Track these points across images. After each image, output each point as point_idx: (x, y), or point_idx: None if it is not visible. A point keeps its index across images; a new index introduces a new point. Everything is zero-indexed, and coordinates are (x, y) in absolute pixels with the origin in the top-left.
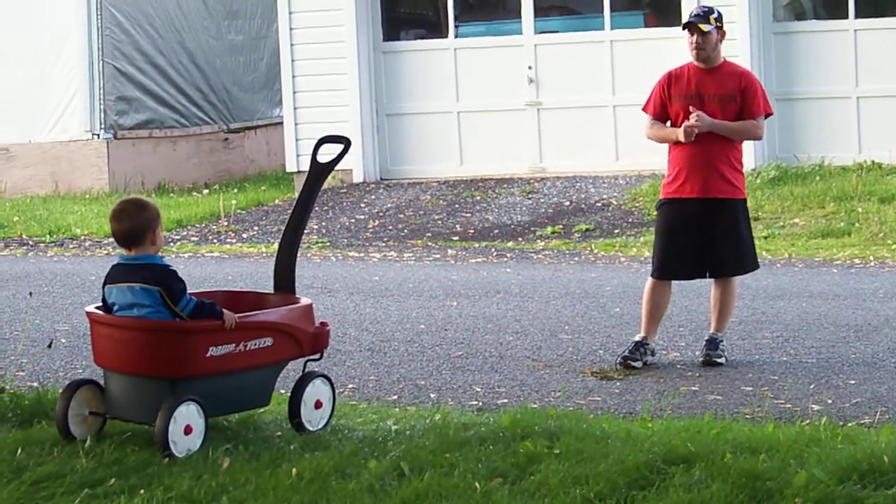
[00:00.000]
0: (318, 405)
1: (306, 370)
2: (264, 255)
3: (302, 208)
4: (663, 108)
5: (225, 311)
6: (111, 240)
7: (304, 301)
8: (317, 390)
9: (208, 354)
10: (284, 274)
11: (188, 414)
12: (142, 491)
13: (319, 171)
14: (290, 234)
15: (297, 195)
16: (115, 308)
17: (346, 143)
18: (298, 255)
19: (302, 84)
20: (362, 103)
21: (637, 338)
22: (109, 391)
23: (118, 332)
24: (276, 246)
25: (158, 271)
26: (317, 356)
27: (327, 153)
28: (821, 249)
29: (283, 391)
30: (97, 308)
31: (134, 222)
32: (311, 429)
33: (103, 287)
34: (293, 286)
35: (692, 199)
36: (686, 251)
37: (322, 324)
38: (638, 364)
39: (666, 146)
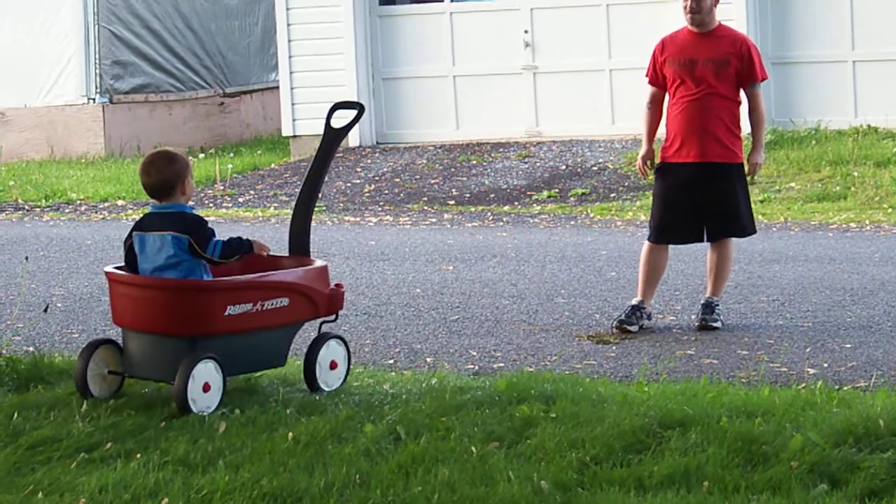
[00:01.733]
0: (333, 366)
1: (321, 331)
2: (260, 219)
3: (316, 173)
4: (660, 74)
5: (253, 240)
6: (107, 204)
7: (320, 263)
8: (332, 351)
9: (226, 313)
10: (299, 237)
11: (207, 371)
12: (138, 455)
13: (334, 136)
14: (305, 198)
15: (292, 159)
16: (141, 256)
17: (360, 108)
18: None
19: (298, 48)
20: (358, 68)
21: (634, 301)
22: (128, 350)
23: (138, 290)
24: (271, 210)
25: (189, 220)
26: (332, 317)
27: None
28: (817, 213)
29: (295, 357)
30: (116, 268)
31: (164, 174)
32: (326, 389)
33: (130, 234)
34: (308, 249)
35: (689, 163)
36: (683, 215)
37: (337, 285)
38: (634, 328)
39: (665, 109)
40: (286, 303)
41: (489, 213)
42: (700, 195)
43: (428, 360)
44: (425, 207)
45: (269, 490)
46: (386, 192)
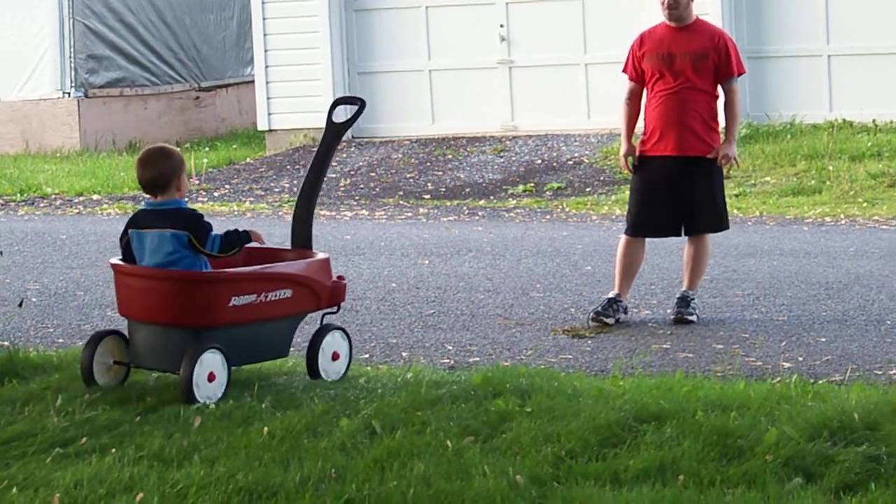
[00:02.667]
0: (335, 357)
1: (324, 323)
2: (235, 213)
3: (318, 167)
4: (638, 68)
5: (249, 230)
6: (82, 198)
7: (322, 255)
8: (335, 342)
9: (231, 304)
10: (302, 230)
11: (212, 361)
12: (113, 450)
13: (336, 131)
14: (307, 192)
15: (267, 154)
16: (139, 253)
17: (362, 103)
18: (271, 212)
19: (273, 42)
20: (334, 62)
21: (610, 295)
22: (134, 341)
23: (144, 282)
24: (247, 204)
25: (186, 216)
26: (334, 309)
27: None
28: (792, 207)
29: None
30: (120, 260)
31: (160, 170)
32: (327, 380)
33: (125, 231)
34: (310, 242)
35: (667, 156)
36: (660, 209)
37: (339, 277)
38: (610, 321)
39: (644, 103)
40: (289, 294)
41: (465, 208)
42: (677, 189)
43: (403, 354)
44: (401, 202)
45: (244, 484)
46: (361, 186)
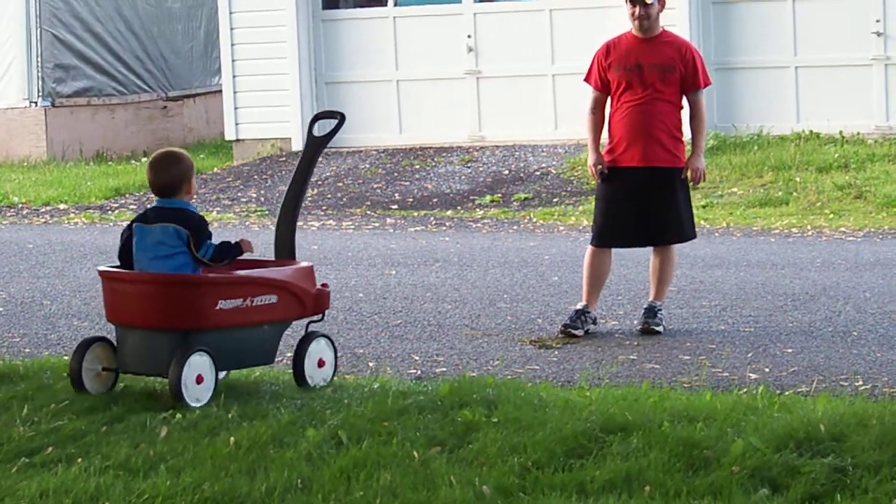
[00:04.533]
0: (320, 364)
1: (309, 330)
2: None
3: (300, 181)
4: (604, 79)
5: (241, 241)
6: (49, 208)
7: (305, 264)
8: (320, 349)
9: (217, 307)
10: (285, 243)
11: (200, 363)
12: (79, 459)
13: (316, 145)
14: (290, 205)
15: (235, 163)
16: (139, 247)
17: (341, 117)
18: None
19: (241, 52)
20: (301, 72)
21: (578, 306)
22: (122, 347)
23: (131, 286)
24: (214, 214)
25: (190, 217)
26: (318, 317)
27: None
28: (759, 219)
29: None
30: (111, 267)
31: (171, 174)
32: (313, 386)
33: (130, 225)
34: (293, 253)
35: (632, 167)
36: (625, 219)
37: (323, 285)
38: (579, 332)
39: (608, 113)
40: (275, 300)
41: (432, 218)
42: (643, 200)
43: (370, 364)
44: (368, 212)
45: (210, 495)
46: (329, 196)
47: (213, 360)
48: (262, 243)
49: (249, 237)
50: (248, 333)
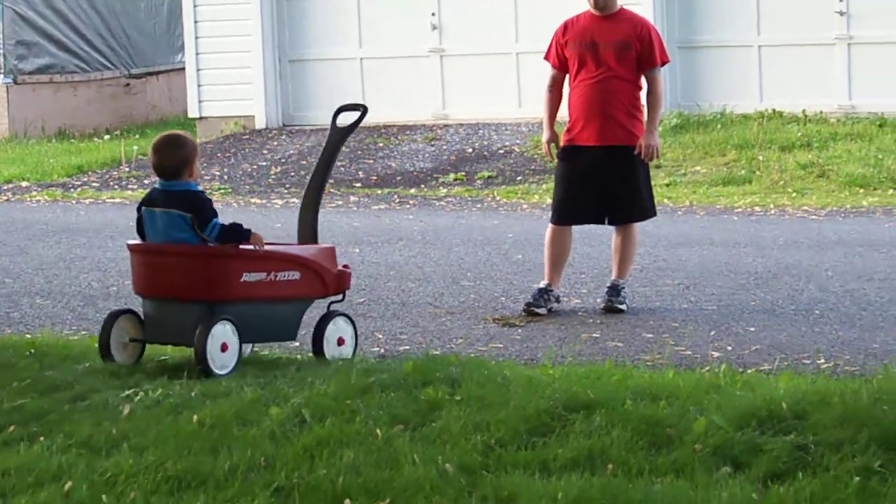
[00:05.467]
0: (340, 342)
1: (330, 309)
2: None
3: (323, 169)
4: (562, 56)
5: (253, 231)
6: (10, 185)
7: (328, 245)
8: (339, 328)
9: (242, 279)
10: (308, 228)
11: (224, 332)
12: (41, 438)
13: (339, 135)
14: (313, 192)
15: (198, 141)
16: (150, 230)
17: (364, 109)
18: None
19: (204, 29)
20: (265, 49)
21: (541, 284)
22: (148, 318)
23: (158, 258)
24: None
25: (192, 198)
26: (339, 297)
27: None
28: (722, 197)
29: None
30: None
31: (174, 159)
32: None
33: (140, 207)
34: (316, 238)
35: (589, 146)
36: (584, 197)
37: (344, 266)
38: (542, 311)
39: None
40: (298, 276)
41: (396, 196)
42: (601, 178)
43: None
44: (332, 190)
45: (173, 473)
46: (292, 174)
47: (238, 329)
48: (226, 221)
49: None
50: (272, 308)
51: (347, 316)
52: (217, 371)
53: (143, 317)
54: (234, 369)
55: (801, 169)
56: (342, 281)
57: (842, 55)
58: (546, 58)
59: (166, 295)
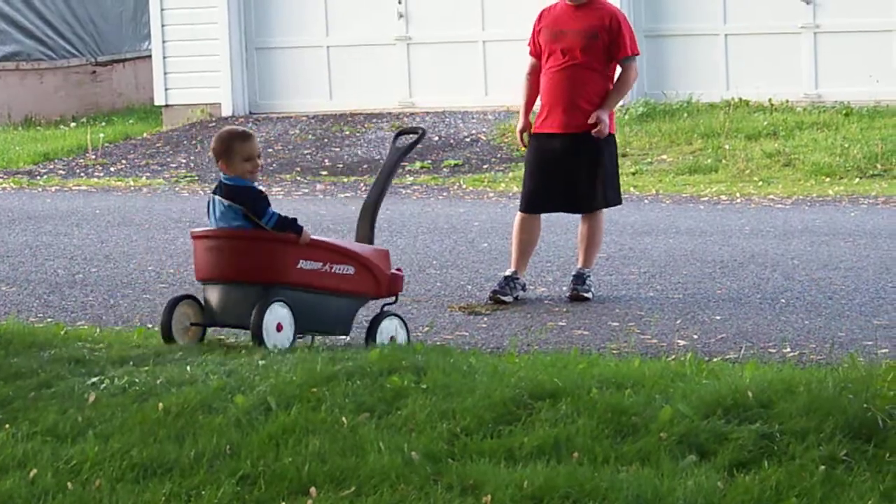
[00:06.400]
0: (391, 341)
1: (384, 310)
2: (132, 188)
3: (381, 185)
4: (537, 44)
5: (304, 228)
6: None
7: (383, 248)
8: (392, 326)
9: (298, 266)
10: (364, 238)
11: (280, 312)
12: (7, 425)
13: (398, 155)
14: (370, 205)
15: (164, 129)
16: (212, 217)
17: (422, 132)
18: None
19: (170, 17)
20: (232, 37)
21: (507, 272)
22: (209, 302)
23: (219, 242)
24: (143, 179)
25: (240, 192)
26: (392, 299)
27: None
28: (688, 186)
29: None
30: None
31: (215, 151)
32: None
33: (212, 193)
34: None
35: (556, 134)
36: (552, 185)
37: (398, 269)
38: (508, 299)
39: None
40: (352, 271)
41: (362, 184)
42: (567, 166)
43: None
44: (298, 178)
45: (138, 460)
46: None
47: (293, 313)
48: (192, 209)
49: (178, 203)
50: (327, 300)
51: (400, 317)
52: (270, 346)
53: (202, 302)
54: (288, 350)
55: (768, 158)
56: (395, 283)
57: (808, 44)
58: (528, 45)
59: (226, 277)
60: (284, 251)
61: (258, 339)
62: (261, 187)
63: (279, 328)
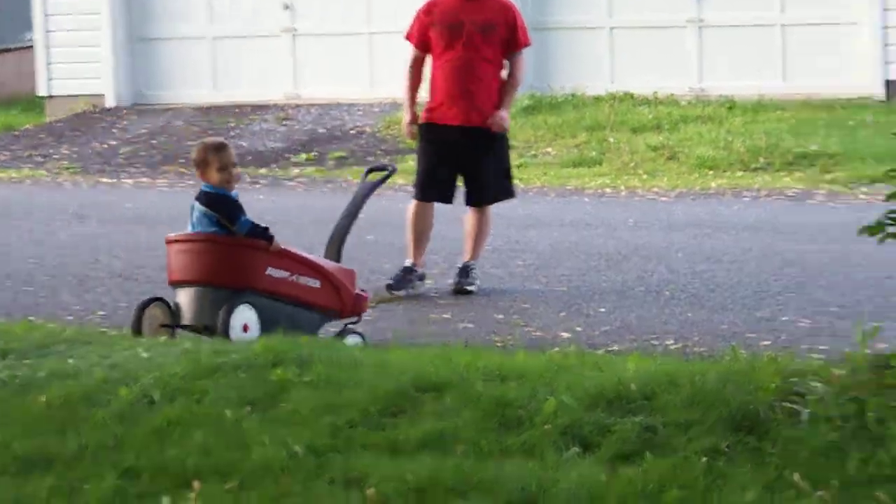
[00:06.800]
0: None
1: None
2: (14, 180)
3: (349, 217)
4: (425, 36)
5: (275, 239)
6: None
7: (349, 268)
8: (354, 343)
9: (267, 273)
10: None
11: (247, 314)
12: None
13: (367, 189)
14: (337, 236)
15: (47, 120)
16: (191, 222)
17: (392, 169)
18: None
19: (54, 7)
20: (115, 27)
21: (406, 264)
22: (179, 304)
23: (190, 245)
24: (26, 171)
25: (213, 199)
26: (355, 319)
27: None
28: (573, 178)
29: None
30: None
31: (195, 160)
32: None
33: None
34: None
35: (449, 126)
36: (446, 174)
37: (363, 290)
38: (402, 293)
39: (429, 71)
40: (318, 285)
41: (247, 176)
42: (461, 158)
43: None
44: (182, 170)
45: (20, 453)
46: (143, 153)
47: (259, 317)
48: (77, 202)
49: (61, 194)
50: (293, 311)
51: (362, 336)
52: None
53: (171, 305)
54: None
55: (652, 151)
56: (359, 304)
57: (693, 38)
58: (408, 37)
59: (195, 279)
60: (254, 256)
61: (225, 333)
62: (235, 195)
63: (245, 329)
